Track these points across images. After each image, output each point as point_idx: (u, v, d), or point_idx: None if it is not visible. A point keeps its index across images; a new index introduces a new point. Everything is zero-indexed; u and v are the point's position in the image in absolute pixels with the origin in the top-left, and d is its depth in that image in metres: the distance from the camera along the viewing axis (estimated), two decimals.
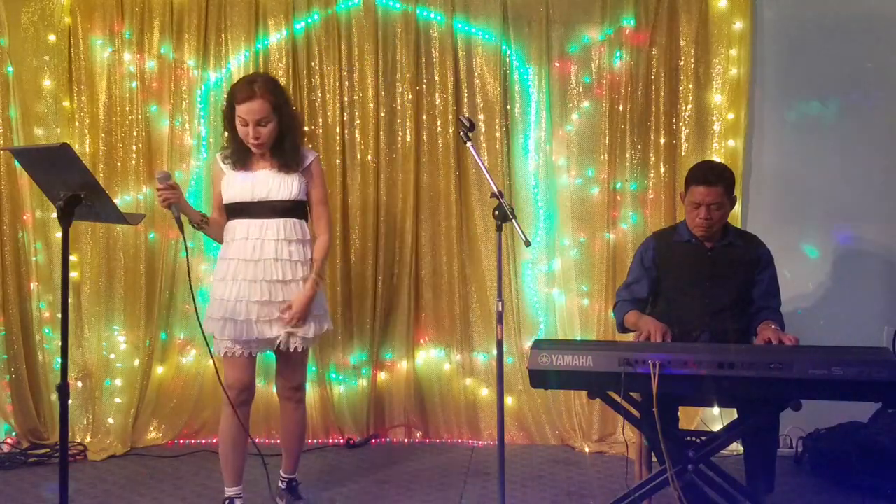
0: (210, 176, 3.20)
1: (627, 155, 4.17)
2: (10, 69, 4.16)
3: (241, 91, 3.02)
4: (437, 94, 4.27)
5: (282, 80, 4.23)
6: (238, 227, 3.11)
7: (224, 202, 3.16)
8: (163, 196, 2.94)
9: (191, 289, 3.17)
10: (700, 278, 3.14)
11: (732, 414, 3.44)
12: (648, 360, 2.52)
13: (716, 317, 3.10)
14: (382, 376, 4.38)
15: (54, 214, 2.92)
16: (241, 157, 3.12)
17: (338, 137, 4.28)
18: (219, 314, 3.09)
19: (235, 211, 3.13)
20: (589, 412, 4.21)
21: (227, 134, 3.17)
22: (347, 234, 4.31)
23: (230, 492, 3.18)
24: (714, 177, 3.05)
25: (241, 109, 3.01)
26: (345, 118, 4.29)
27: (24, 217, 4.23)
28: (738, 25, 4.06)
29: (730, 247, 3.16)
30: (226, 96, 3.15)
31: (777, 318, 3.11)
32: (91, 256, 4.27)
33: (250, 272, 3.07)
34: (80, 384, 4.22)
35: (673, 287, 3.20)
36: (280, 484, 3.42)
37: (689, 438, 2.87)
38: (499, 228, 2.83)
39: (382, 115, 4.28)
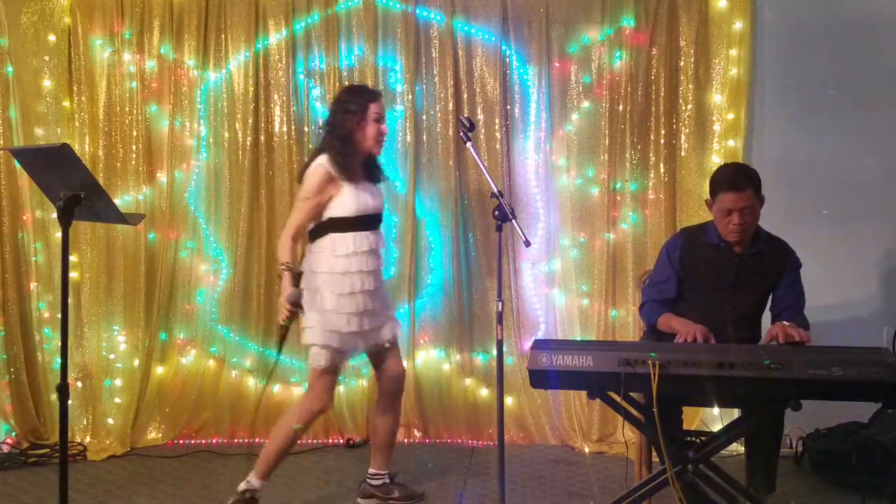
0: (314, 184, 3.16)
1: (627, 155, 4.17)
2: (10, 69, 4.16)
3: (374, 90, 3.32)
4: (437, 94, 4.27)
5: (281, 81, 4.26)
6: (357, 240, 3.17)
7: (343, 214, 3.18)
8: (286, 315, 3.11)
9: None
10: (724, 284, 3.07)
11: (732, 414, 3.44)
12: (648, 360, 2.51)
13: (730, 325, 3.02)
14: None
15: (54, 214, 2.92)
16: (351, 167, 3.19)
17: None
18: (348, 329, 3.15)
19: (354, 224, 3.19)
20: (589, 412, 4.21)
21: (330, 142, 3.22)
22: None
23: (260, 484, 3.23)
24: (742, 180, 2.95)
25: (378, 106, 3.23)
26: None
27: (24, 217, 4.23)
28: (738, 25, 4.06)
29: (758, 255, 3.07)
30: (344, 97, 3.27)
31: (797, 318, 2.99)
32: (91, 256, 4.27)
33: (368, 283, 3.20)
34: (80, 384, 4.22)
35: (695, 290, 3.13)
36: (373, 481, 3.45)
37: (689, 438, 2.87)
38: (499, 228, 2.83)
39: None
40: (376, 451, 3.46)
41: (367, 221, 3.22)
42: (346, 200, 3.17)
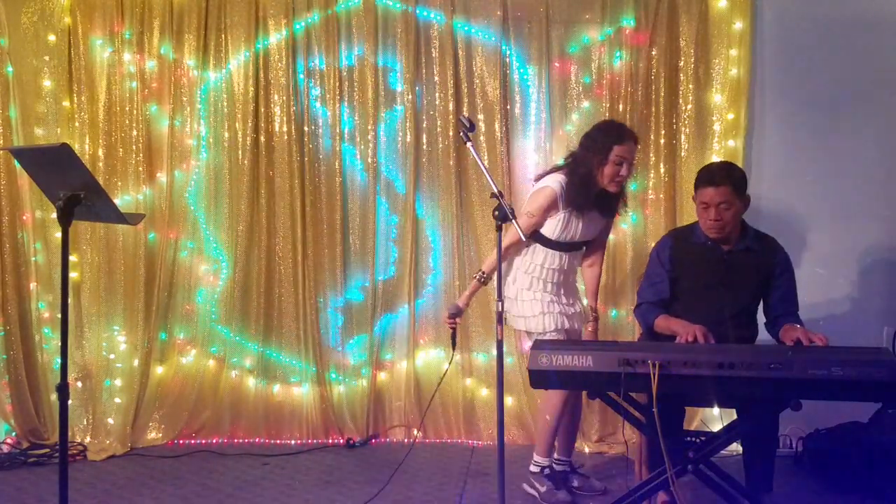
0: (542, 205, 3.36)
1: None
2: (10, 69, 4.16)
3: (625, 132, 3.33)
4: (437, 94, 4.27)
5: (281, 81, 4.26)
6: (551, 257, 3.43)
7: (546, 235, 3.40)
8: (451, 326, 3.40)
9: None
10: (715, 282, 3.09)
11: (732, 414, 3.44)
12: (648, 360, 2.51)
13: (726, 323, 3.04)
14: (382, 376, 4.38)
15: (54, 214, 2.92)
16: (580, 201, 3.32)
17: (338, 138, 4.29)
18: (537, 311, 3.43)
19: (554, 244, 3.42)
20: (589, 412, 4.21)
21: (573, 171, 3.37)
22: (347, 234, 4.32)
23: (546, 460, 3.52)
24: (720, 177, 3.03)
25: (623, 149, 3.28)
26: (345, 118, 4.30)
27: (24, 217, 4.23)
28: (738, 25, 4.06)
29: (747, 252, 3.10)
30: (593, 133, 3.38)
31: (799, 322, 3.05)
32: (91, 256, 4.27)
33: (550, 290, 3.47)
34: (80, 384, 4.22)
35: (688, 290, 3.15)
36: (556, 466, 3.60)
37: (689, 438, 2.87)
38: (499, 228, 2.83)
39: (382, 115, 4.29)
40: (558, 439, 3.65)
41: (564, 246, 3.40)
42: (556, 225, 3.36)
